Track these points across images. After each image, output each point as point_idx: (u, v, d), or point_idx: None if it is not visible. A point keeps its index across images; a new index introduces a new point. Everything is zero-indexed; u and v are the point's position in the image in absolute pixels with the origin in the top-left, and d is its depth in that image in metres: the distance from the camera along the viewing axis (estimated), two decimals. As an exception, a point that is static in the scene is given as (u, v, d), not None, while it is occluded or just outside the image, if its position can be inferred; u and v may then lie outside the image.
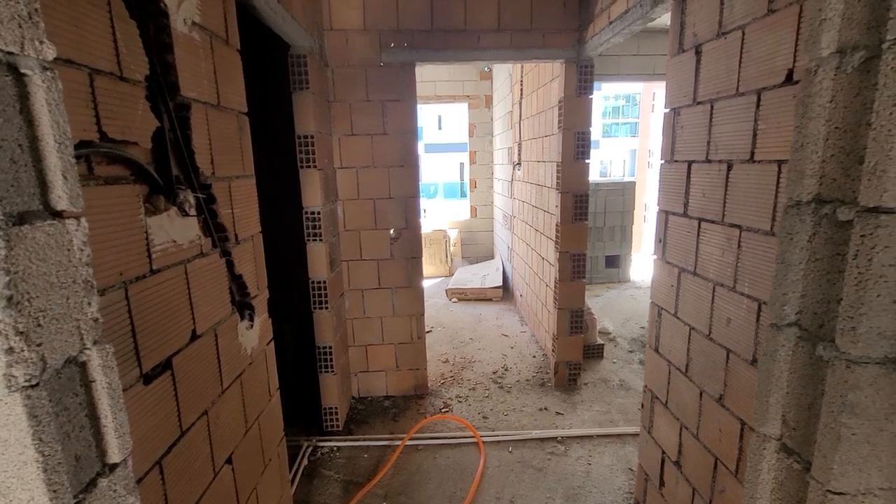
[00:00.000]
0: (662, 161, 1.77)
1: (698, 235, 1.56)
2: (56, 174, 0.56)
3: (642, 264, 6.44)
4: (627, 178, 6.15)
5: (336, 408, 2.61)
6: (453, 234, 6.45)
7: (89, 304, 0.63)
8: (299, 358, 2.88)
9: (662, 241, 1.81)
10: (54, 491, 0.56)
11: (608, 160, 20.25)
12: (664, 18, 1.84)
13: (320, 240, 2.42)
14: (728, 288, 1.42)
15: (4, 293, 0.51)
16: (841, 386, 0.60)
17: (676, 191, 1.68)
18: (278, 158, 2.61)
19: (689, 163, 1.59)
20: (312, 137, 2.31)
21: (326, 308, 2.49)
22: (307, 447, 2.46)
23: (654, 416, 1.91)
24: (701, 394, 1.57)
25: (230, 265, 1.30)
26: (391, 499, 2.12)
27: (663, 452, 1.84)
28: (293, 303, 2.73)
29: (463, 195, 17.98)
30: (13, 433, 0.53)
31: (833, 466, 0.62)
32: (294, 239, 2.49)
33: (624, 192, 5.67)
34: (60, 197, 0.57)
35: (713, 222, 1.48)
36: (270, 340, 1.60)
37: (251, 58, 2.60)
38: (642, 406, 2.02)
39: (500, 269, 5.60)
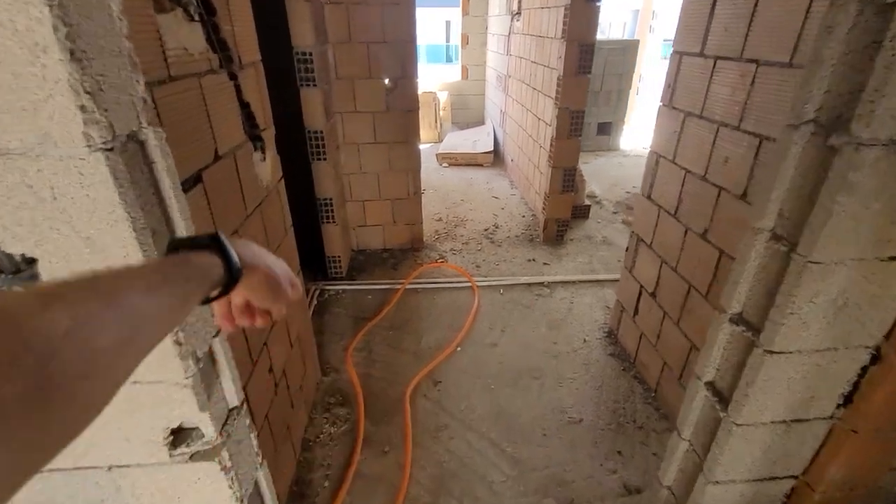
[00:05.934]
0: (687, -7, 1.65)
1: (712, 75, 1.54)
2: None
3: (632, 134, 6.36)
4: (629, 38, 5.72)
5: (339, 257, 2.77)
6: (443, 98, 6.13)
7: (137, 81, 0.62)
8: (302, 210, 2.94)
9: (672, 86, 1.79)
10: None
11: (607, 23, 18.49)
12: None
13: (314, 85, 2.29)
14: (732, 128, 1.46)
15: (67, 45, 0.50)
16: (844, 167, 0.68)
17: (697, 27, 1.60)
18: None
19: (717, -7, 1.49)
20: (297, -42, 2.02)
21: (325, 159, 2.47)
22: (315, 290, 2.67)
23: (637, 257, 2.10)
24: (686, 231, 1.72)
25: (238, 90, 1.25)
26: (396, 328, 2.39)
27: (641, 287, 2.08)
28: (290, 155, 2.68)
29: (449, 59, 16.46)
30: (101, 192, 0.57)
31: (817, 241, 0.73)
32: (286, 83, 2.34)
33: (626, 52, 5.33)
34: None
35: (729, 59, 1.45)
36: (281, 178, 1.62)
37: None
38: (627, 249, 2.21)
39: (491, 135, 5.48)
